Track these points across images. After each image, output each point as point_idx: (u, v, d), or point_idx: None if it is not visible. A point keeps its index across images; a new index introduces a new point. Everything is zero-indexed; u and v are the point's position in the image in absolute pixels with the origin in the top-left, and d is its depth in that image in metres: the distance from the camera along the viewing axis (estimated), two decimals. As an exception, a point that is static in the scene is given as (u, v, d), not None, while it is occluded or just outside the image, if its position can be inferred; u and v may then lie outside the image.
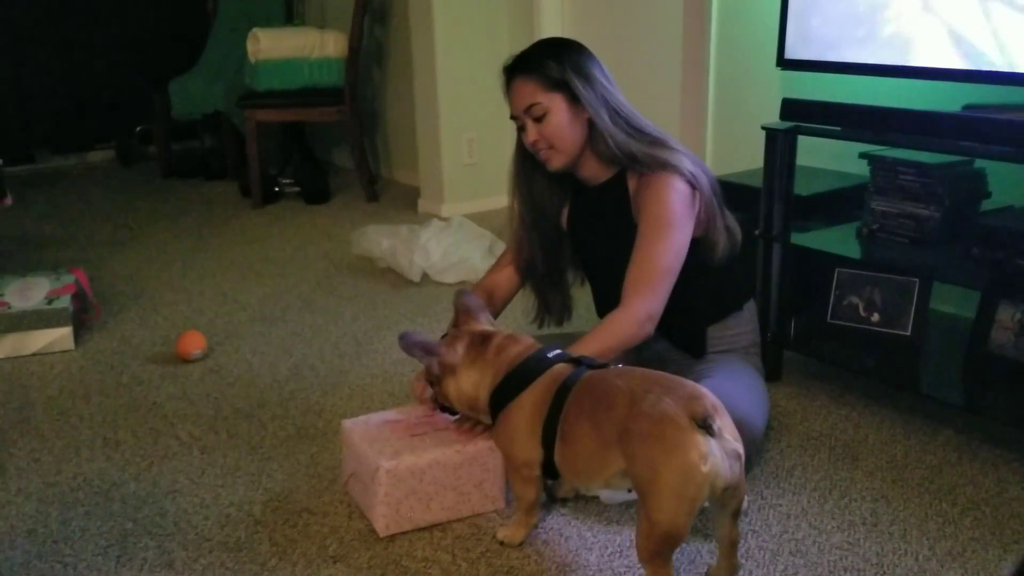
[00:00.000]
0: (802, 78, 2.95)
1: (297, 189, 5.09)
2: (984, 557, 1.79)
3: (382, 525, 1.90)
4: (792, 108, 2.40)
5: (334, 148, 5.94)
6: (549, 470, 1.78)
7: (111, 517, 2.02)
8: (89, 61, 6.16)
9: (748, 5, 3.29)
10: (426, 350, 1.89)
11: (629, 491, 1.78)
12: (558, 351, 1.85)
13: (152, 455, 2.29)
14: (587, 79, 2.08)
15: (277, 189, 5.07)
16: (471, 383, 1.87)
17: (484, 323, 1.96)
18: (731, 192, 2.82)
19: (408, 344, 1.89)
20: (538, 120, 2.09)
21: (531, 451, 1.78)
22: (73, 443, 2.36)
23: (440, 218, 4.04)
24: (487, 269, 3.42)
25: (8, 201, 2.88)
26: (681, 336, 2.22)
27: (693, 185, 2.07)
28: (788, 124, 2.41)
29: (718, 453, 1.51)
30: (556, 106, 2.08)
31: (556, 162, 2.14)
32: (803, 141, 2.43)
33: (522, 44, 4.35)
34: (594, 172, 2.18)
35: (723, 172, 3.13)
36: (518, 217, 2.28)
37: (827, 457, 2.18)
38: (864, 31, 2.40)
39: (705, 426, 1.51)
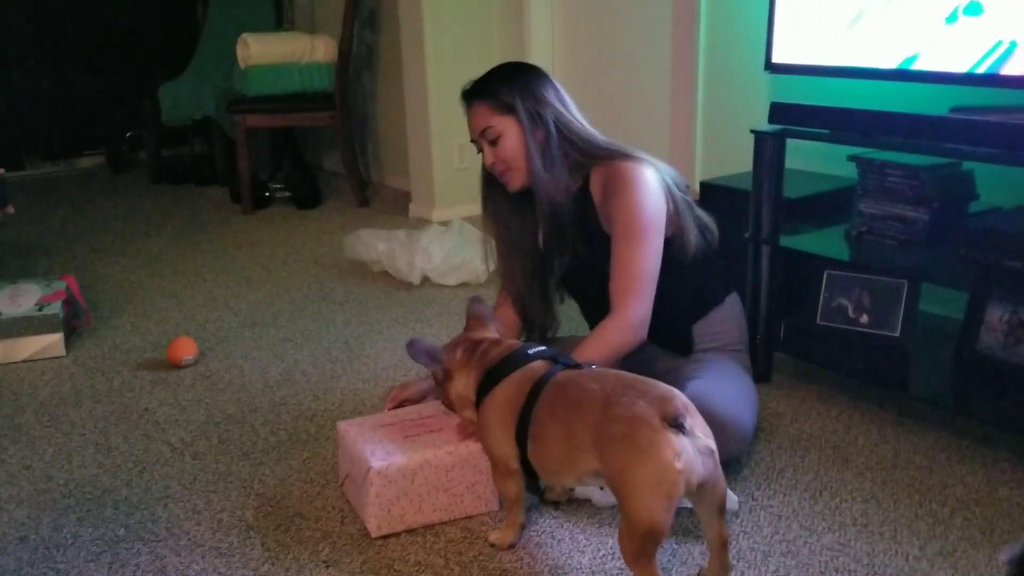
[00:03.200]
0: (790, 82, 2.96)
1: (288, 194, 5.10)
2: (974, 557, 1.80)
3: (374, 525, 1.91)
4: (780, 112, 2.42)
5: (324, 153, 5.94)
6: (528, 467, 1.81)
7: (103, 523, 2.02)
8: (79, 67, 6.16)
9: (736, 10, 3.31)
10: (431, 356, 1.95)
11: (602, 488, 1.87)
12: (540, 348, 1.90)
13: (144, 461, 2.29)
14: (538, 101, 2.14)
15: (268, 194, 5.08)
16: (463, 384, 1.93)
17: (492, 331, 2.02)
18: (721, 195, 2.86)
19: (415, 351, 1.95)
20: (493, 143, 2.16)
21: (505, 446, 1.82)
22: (64, 449, 2.36)
23: (434, 223, 4.04)
24: (487, 271, 3.46)
25: (10, 210, 2.88)
26: (667, 336, 2.23)
27: (656, 169, 2.13)
28: (776, 127, 2.42)
29: (691, 450, 1.55)
30: (509, 128, 2.14)
31: (515, 182, 2.19)
32: (792, 144, 2.44)
33: (512, 49, 4.40)
34: (556, 188, 2.18)
35: (713, 175, 3.14)
36: (495, 242, 2.33)
37: (817, 458, 2.19)
38: (851, 34, 2.41)
39: (677, 425, 1.55)
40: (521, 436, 1.78)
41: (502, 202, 2.28)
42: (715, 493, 1.62)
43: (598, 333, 2.09)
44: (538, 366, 1.84)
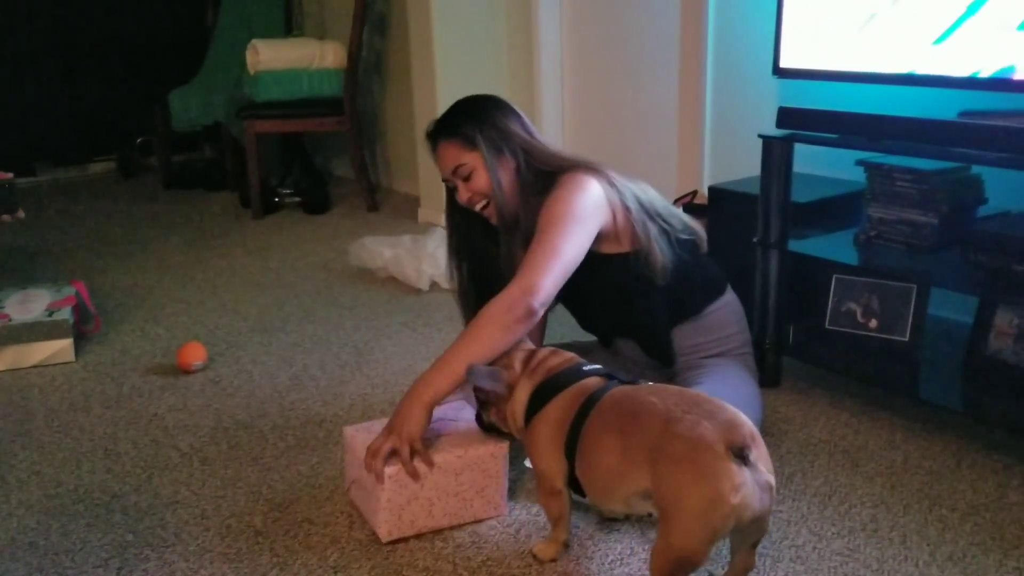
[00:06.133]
0: (799, 86, 2.96)
1: (297, 199, 5.11)
2: (984, 562, 1.79)
3: (384, 531, 1.90)
4: (788, 116, 2.41)
5: (334, 158, 5.95)
6: (576, 485, 1.76)
7: (112, 529, 2.03)
8: (89, 73, 6.18)
9: (744, 14, 3.31)
10: (493, 377, 1.87)
11: (650, 515, 1.75)
12: (596, 366, 1.85)
13: (153, 466, 2.30)
14: (501, 132, 2.14)
15: (277, 200, 5.09)
16: (521, 400, 1.86)
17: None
18: (729, 200, 2.86)
19: (477, 376, 1.86)
20: (466, 179, 2.15)
21: (555, 463, 1.76)
22: (74, 455, 2.37)
23: (442, 227, 4.04)
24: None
25: (20, 214, 2.90)
26: (647, 344, 2.23)
27: (610, 184, 2.11)
28: (785, 132, 2.42)
29: (751, 484, 1.48)
30: (479, 163, 2.13)
31: (496, 215, 2.18)
32: (800, 149, 2.44)
33: (520, 55, 4.41)
34: (529, 216, 2.16)
35: (721, 180, 3.14)
36: (461, 278, 2.34)
37: (827, 463, 2.19)
38: (859, 39, 2.40)
39: (741, 456, 1.48)
40: (570, 453, 1.73)
41: (472, 233, 2.30)
42: (759, 529, 1.58)
43: (487, 307, 1.97)
44: (591, 382, 1.79)
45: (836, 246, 2.54)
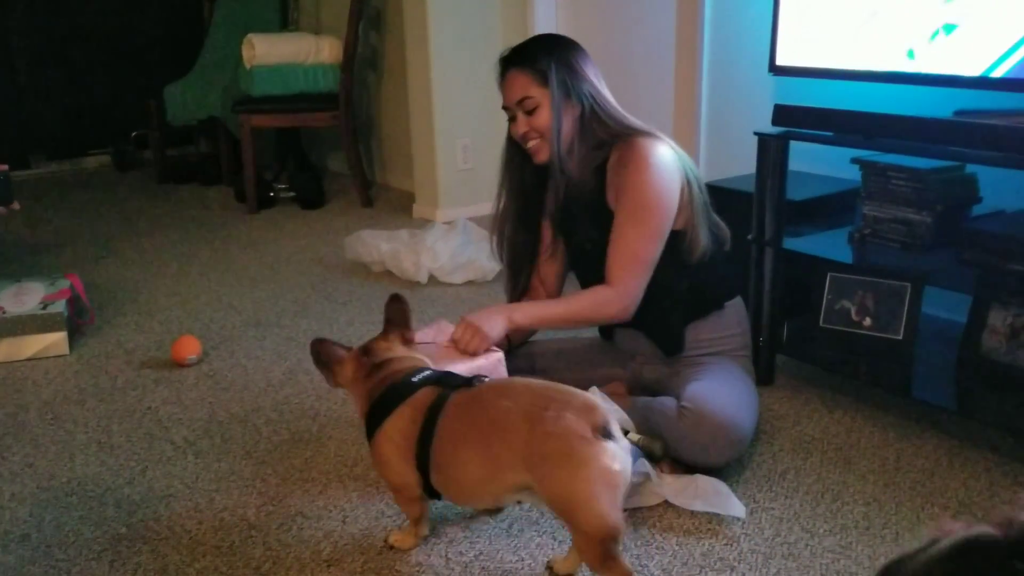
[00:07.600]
0: (795, 84, 2.96)
1: (292, 194, 5.10)
2: (975, 560, 1.80)
3: None
4: (784, 114, 2.42)
5: (329, 153, 5.94)
6: (430, 492, 1.77)
7: (105, 522, 2.02)
8: (85, 67, 6.17)
9: (740, 11, 3.31)
10: (320, 362, 1.87)
11: (519, 503, 1.86)
12: (426, 373, 1.79)
13: (146, 460, 2.30)
14: (577, 76, 2.13)
15: (272, 194, 5.08)
16: (354, 400, 1.86)
17: (407, 336, 1.90)
18: (724, 197, 2.84)
19: (313, 351, 1.86)
20: (529, 113, 2.14)
21: (406, 476, 1.75)
22: (67, 448, 2.37)
23: (439, 223, 4.05)
24: (493, 269, 3.49)
25: (16, 206, 2.89)
26: (658, 331, 2.23)
27: (676, 153, 2.13)
28: (780, 130, 2.42)
29: (623, 453, 1.58)
30: (547, 100, 2.12)
31: (544, 154, 2.16)
32: (795, 146, 2.44)
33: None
34: (579, 167, 2.17)
35: (716, 177, 3.14)
36: (504, 209, 2.31)
37: (819, 461, 2.19)
38: (856, 37, 2.41)
39: (606, 433, 1.56)
40: (422, 465, 1.71)
41: (524, 171, 2.26)
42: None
43: (591, 294, 2.09)
44: (425, 394, 1.74)
45: (831, 244, 2.55)
